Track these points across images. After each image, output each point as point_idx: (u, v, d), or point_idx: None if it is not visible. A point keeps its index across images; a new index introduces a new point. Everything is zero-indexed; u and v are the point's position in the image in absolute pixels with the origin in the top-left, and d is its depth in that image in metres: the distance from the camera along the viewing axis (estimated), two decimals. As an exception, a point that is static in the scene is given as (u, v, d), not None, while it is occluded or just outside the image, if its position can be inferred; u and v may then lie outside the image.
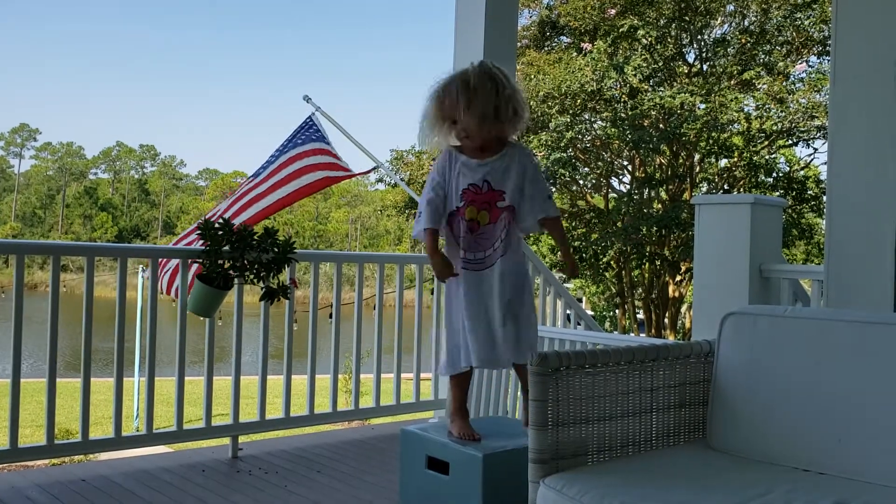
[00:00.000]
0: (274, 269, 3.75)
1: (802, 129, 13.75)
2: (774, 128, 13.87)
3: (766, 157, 14.66)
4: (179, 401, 3.77)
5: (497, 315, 2.68)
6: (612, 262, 15.61)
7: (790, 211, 14.04)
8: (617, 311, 17.49)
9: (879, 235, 3.10)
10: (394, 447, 3.69)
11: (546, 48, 14.86)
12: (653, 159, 14.93)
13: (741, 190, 14.53)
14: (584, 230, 15.40)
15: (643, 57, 13.63)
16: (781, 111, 13.47)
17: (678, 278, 15.23)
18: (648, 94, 13.64)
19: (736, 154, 14.39)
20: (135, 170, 79.30)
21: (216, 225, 3.62)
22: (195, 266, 3.77)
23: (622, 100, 13.70)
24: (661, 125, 13.89)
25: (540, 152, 13.27)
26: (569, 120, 13.35)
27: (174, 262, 4.58)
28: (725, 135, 14.10)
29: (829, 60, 4.46)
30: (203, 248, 3.64)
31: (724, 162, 15.15)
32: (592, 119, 14.19)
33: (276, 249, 3.72)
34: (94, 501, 3.13)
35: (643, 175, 14.98)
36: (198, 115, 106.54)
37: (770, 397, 2.19)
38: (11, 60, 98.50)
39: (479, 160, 2.68)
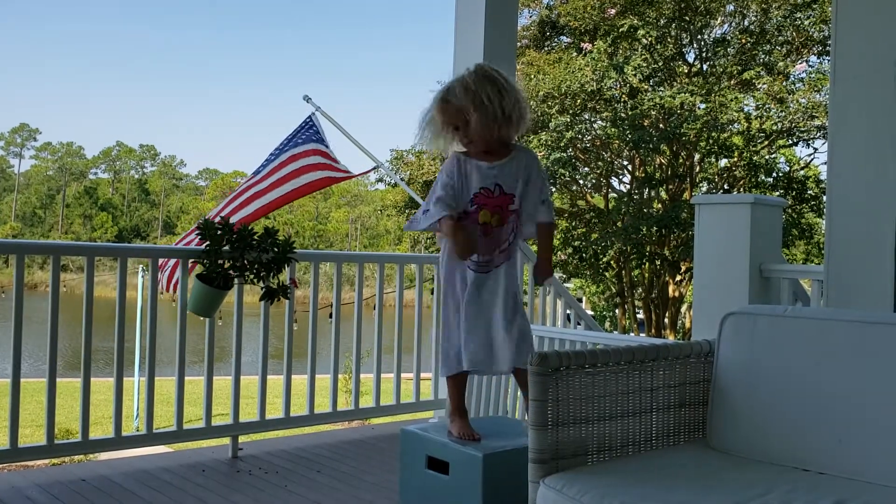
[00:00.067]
0: (274, 268, 3.75)
1: (802, 129, 13.75)
2: (774, 128, 13.87)
3: (766, 157, 14.65)
4: (179, 401, 3.77)
5: (501, 319, 2.68)
6: (612, 262, 15.60)
7: (790, 211, 14.04)
8: (617, 311, 17.50)
9: (879, 235, 3.10)
10: (394, 447, 3.68)
11: (546, 48, 14.85)
12: (653, 159, 14.93)
13: (741, 190, 14.52)
14: (584, 230, 15.40)
15: (643, 57, 13.63)
16: (781, 111, 13.47)
17: (678, 278, 15.23)
18: (648, 94, 13.64)
19: (736, 154, 14.39)
20: (135, 170, 79.30)
21: (216, 225, 3.62)
22: (194, 266, 3.77)
23: (622, 100, 13.70)
24: (661, 125, 13.89)
25: (540, 152, 13.27)
26: (569, 120, 13.35)
27: (174, 261, 4.59)
28: (725, 135, 14.10)
29: (829, 60, 4.46)
30: (203, 248, 3.64)
31: (724, 162, 15.15)
32: (592, 119, 14.19)
33: (276, 249, 3.72)
34: (94, 501, 3.13)
35: (643, 175, 14.99)
36: (198, 115, 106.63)
37: (770, 397, 2.19)
38: (11, 60, 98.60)
39: (489, 163, 2.68)
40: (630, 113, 13.50)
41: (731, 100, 13.08)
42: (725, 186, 15.03)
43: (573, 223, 15.58)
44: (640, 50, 13.80)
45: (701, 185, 15.33)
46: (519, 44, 14.04)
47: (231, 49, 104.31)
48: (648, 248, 14.43)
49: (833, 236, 3.26)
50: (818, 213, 14.62)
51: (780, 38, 13.65)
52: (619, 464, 2.11)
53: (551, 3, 15.03)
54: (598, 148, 14.92)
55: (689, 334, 15.17)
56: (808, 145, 14.44)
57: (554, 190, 14.90)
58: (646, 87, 13.88)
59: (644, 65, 13.54)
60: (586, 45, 13.82)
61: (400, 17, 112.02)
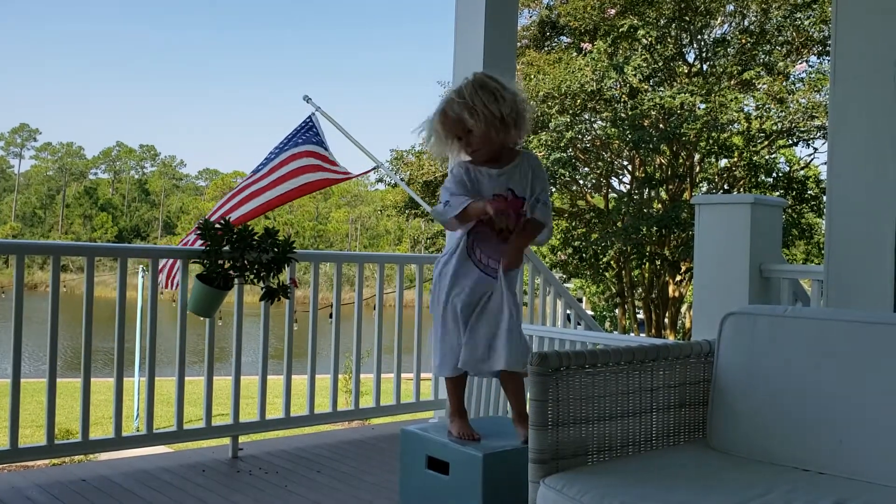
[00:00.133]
0: (274, 268, 3.75)
1: (802, 129, 13.74)
2: (774, 128, 13.87)
3: (766, 157, 14.65)
4: (179, 401, 3.77)
5: (504, 321, 2.68)
6: (612, 262, 15.60)
7: (790, 211, 14.03)
8: (617, 311, 17.49)
9: (879, 235, 3.10)
10: (394, 447, 3.69)
11: (546, 48, 14.85)
12: (653, 159, 14.92)
13: (741, 190, 14.52)
14: (584, 230, 15.40)
15: (643, 57, 13.63)
16: (781, 111, 13.46)
17: (678, 278, 15.22)
18: (648, 94, 13.63)
19: (736, 154, 14.38)
20: (135, 170, 79.31)
21: (216, 225, 3.62)
22: (194, 266, 3.77)
23: (622, 100, 13.70)
24: (661, 125, 13.89)
25: (540, 152, 13.26)
26: (569, 120, 13.34)
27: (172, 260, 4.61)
28: (725, 135, 14.09)
29: (829, 60, 4.46)
30: (203, 247, 3.64)
31: (724, 162, 15.14)
32: (592, 119, 14.19)
33: (276, 249, 3.72)
34: (94, 501, 3.13)
35: (643, 175, 14.98)
36: (198, 115, 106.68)
37: (770, 397, 2.19)
38: (11, 60, 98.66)
39: (499, 170, 2.69)
40: (630, 113, 13.49)
41: (731, 100, 13.07)
42: (725, 186, 15.03)
43: (573, 223, 15.58)
44: (640, 50, 13.80)
45: (701, 185, 15.33)
46: (519, 44, 14.04)
47: (231, 49, 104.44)
48: (648, 248, 14.43)
49: (833, 236, 3.26)
50: (818, 213, 14.61)
51: (780, 38, 13.65)
52: (619, 464, 2.11)
53: (551, 3, 15.03)
54: (598, 148, 14.91)
55: (689, 334, 15.17)
56: (808, 145, 14.43)
57: (554, 190, 14.89)
58: (646, 87, 13.87)
59: (644, 65, 13.54)
60: (586, 45, 13.82)
61: (400, 17, 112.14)
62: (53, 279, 3.47)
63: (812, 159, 16.05)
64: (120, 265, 3.60)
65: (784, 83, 13.58)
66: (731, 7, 13.95)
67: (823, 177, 13.16)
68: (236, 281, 3.68)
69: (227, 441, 3.90)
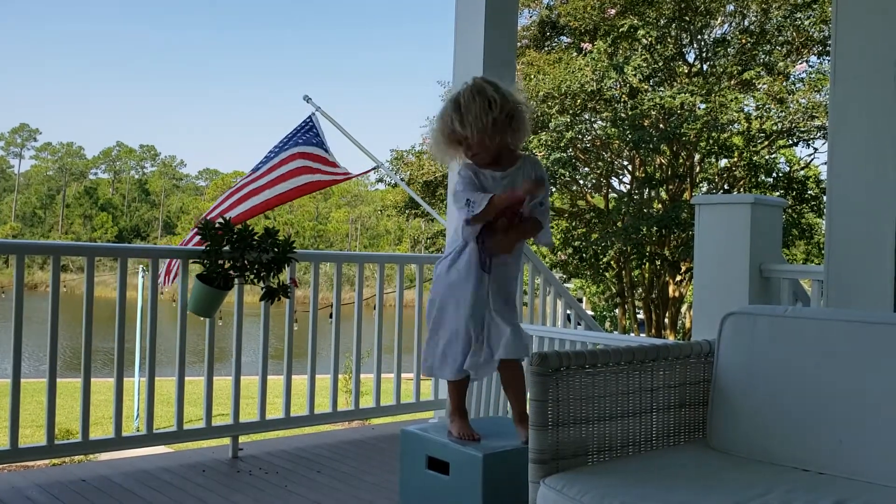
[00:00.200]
0: (274, 268, 3.75)
1: (802, 129, 13.74)
2: (774, 128, 13.86)
3: (766, 157, 14.64)
4: (179, 401, 3.77)
5: (498, 315, 2.69)
6: (612, 262, 15.59)
7: (790, 211, 14.03)
8: (617, 311, 17.49)
9: (879, 235, 3.10)
10: (394, 447, 3.69)
11: (546, 48, 14.84)
12: (653, 159, 14.91)
13: (741, 190, 14.52)
14: (584, 230, 15.39)
15: (643, 57, 13.62)
16: (781, 111, 13.46)
17: (678, 278, 15.22)
18: (648, 94, 13.63)
19: (736, 154, 14.38)
20: (135, 170, 79.31)
21: (216, 225, 3.62)
22: (194, 266, 3.77)
23: (622, 100, 13.69)
24: (661, 125, 13.88)
25: (540, 152, 13.26)
26: (569, 120, 13.34)
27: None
28: (725, 135, 14.08)
29: (829, 60, 4.46)
30: (203, 247, 3.64)
31: (724, 162, 15.14)
32: (592, 119, 14.18)
33: (276, 249, 3.72)
34: (94, 501, 3.13)
35: (643, 175, 14.98)
36: (198, 115, 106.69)
37: (770, 397, 2.19)
38: (11, 60, 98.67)
39: (501, 172, 2.70)
40: (630, 113, 13.49)
41: (731, 100, 13.07)
42: (725, 186, 15.02)
43: (573, 223, 15.57)
44: (640, 50, 13.79)
45: (701, 185, 15.32)
46: (519, 44, 14.04)
47: (231, 49, 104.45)
48: (648, 249, 14.43)
49: (833, 236, 3.26)
50: (818, 213, 14.61)
51: (780, 38, 13.64)
52: (619, 464, 2.11)
53: (551, 3, 15.02)
54: (598, 148, 14.91)
55: (689, 334, 15.16)
56: (808, 145, 14.43)
57: (554, 190, 14.88)
58: (646, 87, 13.87)
59: (644, 65, 13.53)
60: (586, 45, 13.81)
61: (400, 17, 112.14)
62: (53, 279, 3.47)
63: (812, 159, 16.05)
64: (120, 265, 3.60)
65: (784, 83, 13.57)
66: (731, 7, 13.94)
67: (823, 177, 13.16)
68: (236, 281, 3.68)
69: (227, 441, 3.90)
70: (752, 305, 3.41)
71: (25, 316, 3.38)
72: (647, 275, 15.76)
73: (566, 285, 16.04)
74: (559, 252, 15.13)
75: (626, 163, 15.70)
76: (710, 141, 13.99)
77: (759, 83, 13.79)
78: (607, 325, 19.31)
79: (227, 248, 3.63)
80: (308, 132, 5.71)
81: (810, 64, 13.79)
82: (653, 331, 15.31)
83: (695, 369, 2.36)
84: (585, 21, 13.91)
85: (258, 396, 4.02)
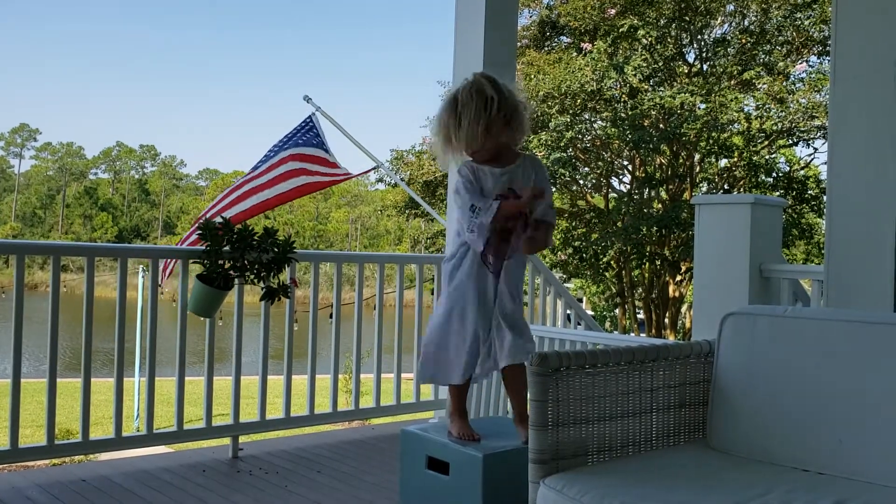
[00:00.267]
0: (274, 268, 3.75)
1: (802, 129, 13.74)
2: (774, 128, 13.86)
3: (766, 157, 14.64)
4: (180, 401, 3.77)
5: (501, 318, 2.69)
6: (612, 262, 15.59)
7: (790, 211, 14.03)
8: (617, 311, 17.49)
9: (879, 235, 3.10)
10: (394, 447, 3.69)
11: (546, 48, 14.85)
12: (653, 159, 14.92)
13: (741, 190, 14.52)
14: (584, 230, 15.39)
15: (643, 57, 13.62)
16: (781, 111, 13.46)
17: (678, 278, 15.22)
18: (648, 94, 13.63)
19: (736, 154, 14.38)
20: (135, 170, 79.31)
21: (216, 224, 3.62)
22: (194, 266, 3.77)
23: (622, 100, 13.69)
24: (661, 125, 13.88)
25: (540, 152, 13.27)
26: (569, 120, 13.34)
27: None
28: (725, 135, 14.09)
29: (829, 60, 4.46)
30: (203, 247, 3.64)
31: (724, 162, 15.14)
32: (592, 119, 14.18)
33: (276, 249, 3.72)
34: (94, 501, 3.13)
35: (643, 175, 14.98)
36: (198, 115, 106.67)
37: (770, 397, 2.19)
38: (11, 60, 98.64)
39: (501, 169, 2.70)
40: (630, 113, 13.49)
41: (731, 100, 13.07)
42: (725, 186, 15.02)
43: (573, 223, 15.57)
44: (640, 50, 13.79)
45: (701, 185, 15.32)
46: (519, 44, 14.04)
47: (231, 49, 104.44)
48: (648, 248, 14.43)
49: (833, 236, 3.26)
50: (818, 213, 14.61)
51: (780, 38, 13.64)
52: (619, 464, 2.12)
53: (551, 3, 15.03)
54: (598, 148, 14.91)
55: (689, 334, 15.16)
56: (808, 145, 14.43)
57: (554, 190, 14.88)
58: (646, 87, 13.87)
59: (644, 65, 13.54)
60: (586, 45, 13.81)
61: (400, 17, 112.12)
62: (53, 279, 3.47)
63: (812, 159, 16.04)
64: (120, 265, 3.60)
65: (784, 83, 13.58)
66: (731, 7, 13.94)
67: (823, 177, 13.16)
68: (236, 281, 3.68)
69: (227, 441, 3.90)
70: (752, 305, 3.41)
71: (25, 316, 3.38)
72: (647, 275, 15.76)
73: (566, 285, 16.04)
74: (559, 252, 15.13)
75: (626, 163, 15.71)
76: (710, 141, 13.99)
77: (759, 83, 13.80)
78: (607, 325, 19.32)
79: (227, 248, 3.63)
80: (308, 132, 5.70)
81: (810, 64, 13.80)
82: (653, 331, 15.31)
83: (695, 369, 2.36)
84: (585, 21, 13.91)
85: (258, 396, 4.02)
